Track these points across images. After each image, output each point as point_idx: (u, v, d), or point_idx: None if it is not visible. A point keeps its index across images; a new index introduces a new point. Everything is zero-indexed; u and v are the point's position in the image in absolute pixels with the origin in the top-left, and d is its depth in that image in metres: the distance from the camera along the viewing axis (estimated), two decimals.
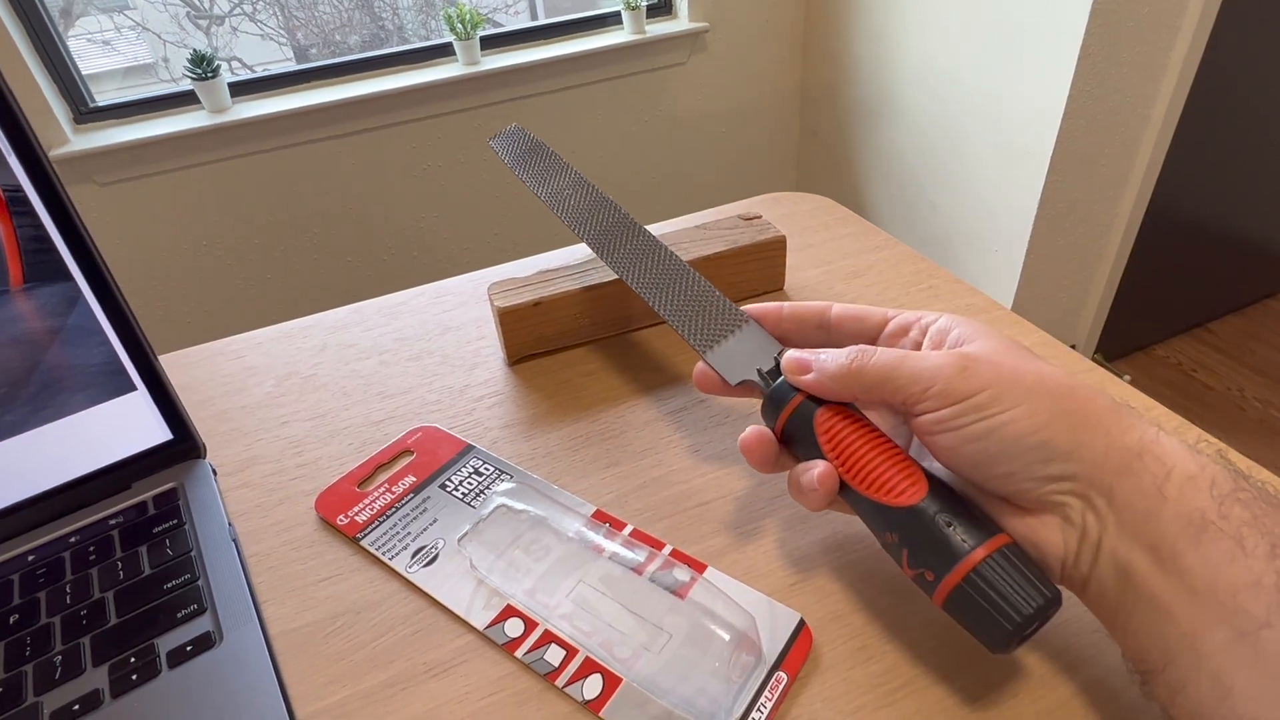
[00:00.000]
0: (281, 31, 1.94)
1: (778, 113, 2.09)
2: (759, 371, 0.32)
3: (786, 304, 0.33)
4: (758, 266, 0.48)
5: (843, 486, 0.27)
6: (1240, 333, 1.96)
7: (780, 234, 0.47)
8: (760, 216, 0.49)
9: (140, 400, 0.36)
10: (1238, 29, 1.41)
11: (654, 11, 1.89)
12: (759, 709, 0.26)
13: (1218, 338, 1.95)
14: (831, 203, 0.59)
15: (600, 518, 0.34)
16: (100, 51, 1.82)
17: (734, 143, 2.10)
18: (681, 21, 1.87)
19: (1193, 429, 0.36)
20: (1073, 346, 1.85)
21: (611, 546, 0.32)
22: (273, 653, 0.29)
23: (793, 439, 0.30)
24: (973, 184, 1.65)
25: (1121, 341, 1.89)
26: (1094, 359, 1.89)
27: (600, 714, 0.26)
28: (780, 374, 0.30)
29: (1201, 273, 1.87)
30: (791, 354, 0.30)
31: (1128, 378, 1.87)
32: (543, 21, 1.85)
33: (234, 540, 0.33)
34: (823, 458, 0.28)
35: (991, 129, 1.55)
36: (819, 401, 0.29)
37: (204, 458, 0.38)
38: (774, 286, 0.49)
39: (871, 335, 0.31)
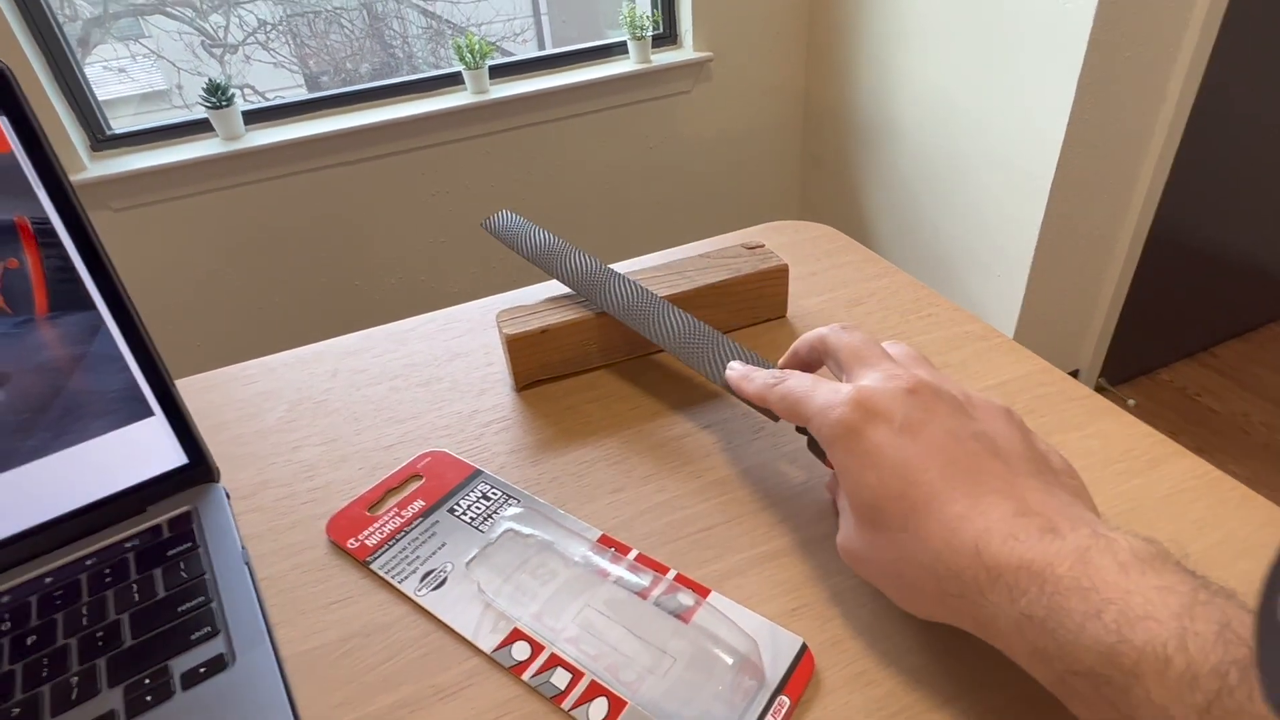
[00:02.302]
0: (293, 59, 1.98)
1: (781, 139, 2.12)
2: None
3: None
4: (761, 294, 0.49)
5: None
6: (1244, 357, 1.96)
7: (783, 263, 0.48)
8: (763, 245, 0.50)
9: (157, 425, 0.37)
10: (1235, 55, 1.43)
11: (659, 41, 1.92)
12: None
13: (1222, 362, 1.95)
14: (833, 231, 0.60)
15: (606, 542, 0.35)
16: (115, 78, 1.86)
17: (739, 169, 2.12)
18: (686, 51, 1.91)
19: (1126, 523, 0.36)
20: (1075, 371, 1.85)
21: (617, 571, 0.32)
22: (284, 675, 0.29)
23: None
24: (975, 208, 1.66)
25: (1125, 365, 1.89)
26: (1098, 383, 1.89)
27: None
28: None
29: (1204, 297, 1.87)
30: (735, 366, 0.36)
31: (1132, 402, 1.87)
32: (550, 51, 1.89)
33: (247, 563, 0.34)
34: None
35: (993, 154, 1.57)
36: None
37: (218, 482, 0.38)
38: (777, 314, 0.50)
39: None
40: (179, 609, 0.31)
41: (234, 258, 1.69)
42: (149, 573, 0.33)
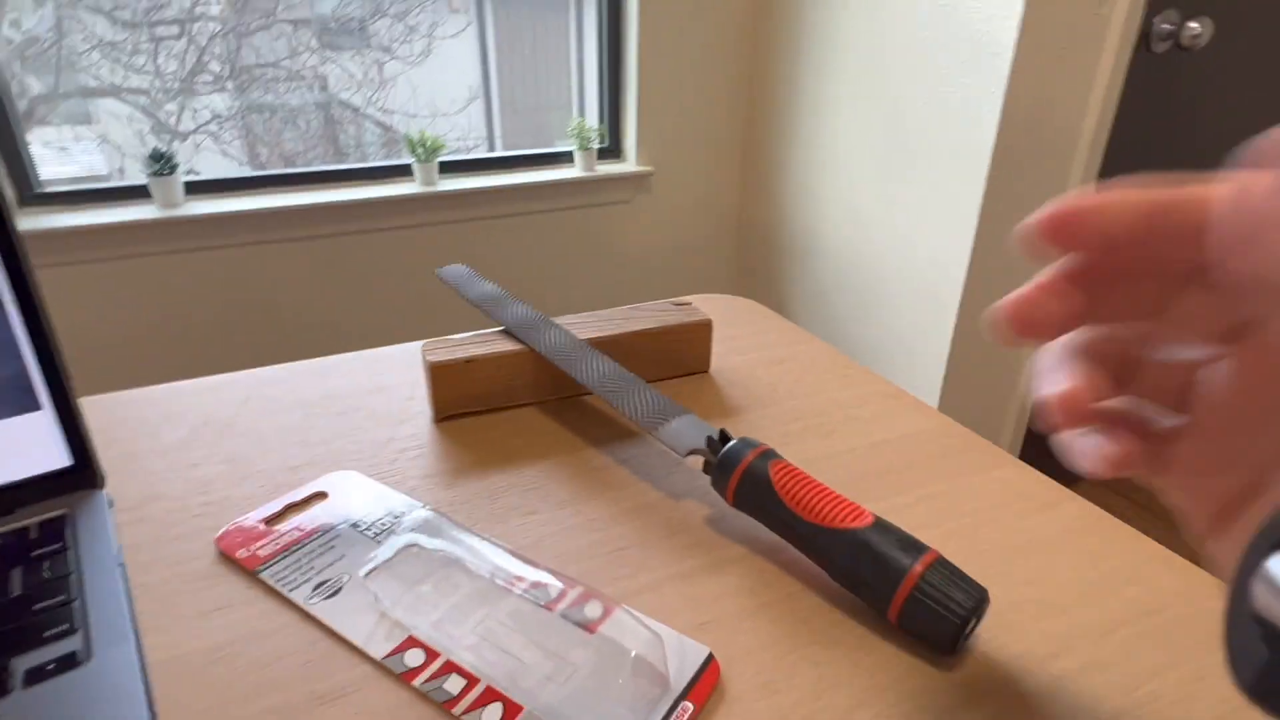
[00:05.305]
0: (244, 152, 1.98)
1: (715, 252, 2.23)
2: (709, 439, 0.37)
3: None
4: (684, 347, 0.50)
5: (800, 532, 0.32)
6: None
7: (707, 318, 0.50)
8: (691, 303, 0.52)
9: (43, 421, 0.34)
10: None
11: (604, 154, 2.04)
12: None
13: (1121, 481, 2.06)
14: (757, 304, 0.63)
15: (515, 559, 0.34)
16: (56, 157, 1.82)
17: (674, 278, 2.21)
18: (629, 164, 2.02)
19: None
20: None
21: (523, 585, 0.31)
22: (146, 676, 0.27)
23: (746, 496, 0.34)
24: (891, 325, 1.76)
25: None
26: None
27: None
28: (728, 442, 0.35)
29: None
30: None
31: None
32: (500, 154, 1.97)
33: (120, 565, 0.31)
34: (781, 506, 0.32)
35: (906, 275, 1.69)
36: (767, 459, 0.34)
37: (102, 489, 0.36)
38: (700, 367, 0.51)
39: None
40: (34, 608, 0.29)
41: (158, 326, 1.63)
42: (6, 572, 0.30)
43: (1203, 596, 0.32)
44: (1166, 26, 1.42)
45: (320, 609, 0.30)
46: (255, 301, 1.71)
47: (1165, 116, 1.57)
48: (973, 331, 1.62)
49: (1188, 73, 1.53)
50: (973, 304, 1.58)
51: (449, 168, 1.87)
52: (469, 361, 0.44)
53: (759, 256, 2.17)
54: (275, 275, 1.71)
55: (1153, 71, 1.48)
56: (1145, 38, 1.43)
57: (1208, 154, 1.69)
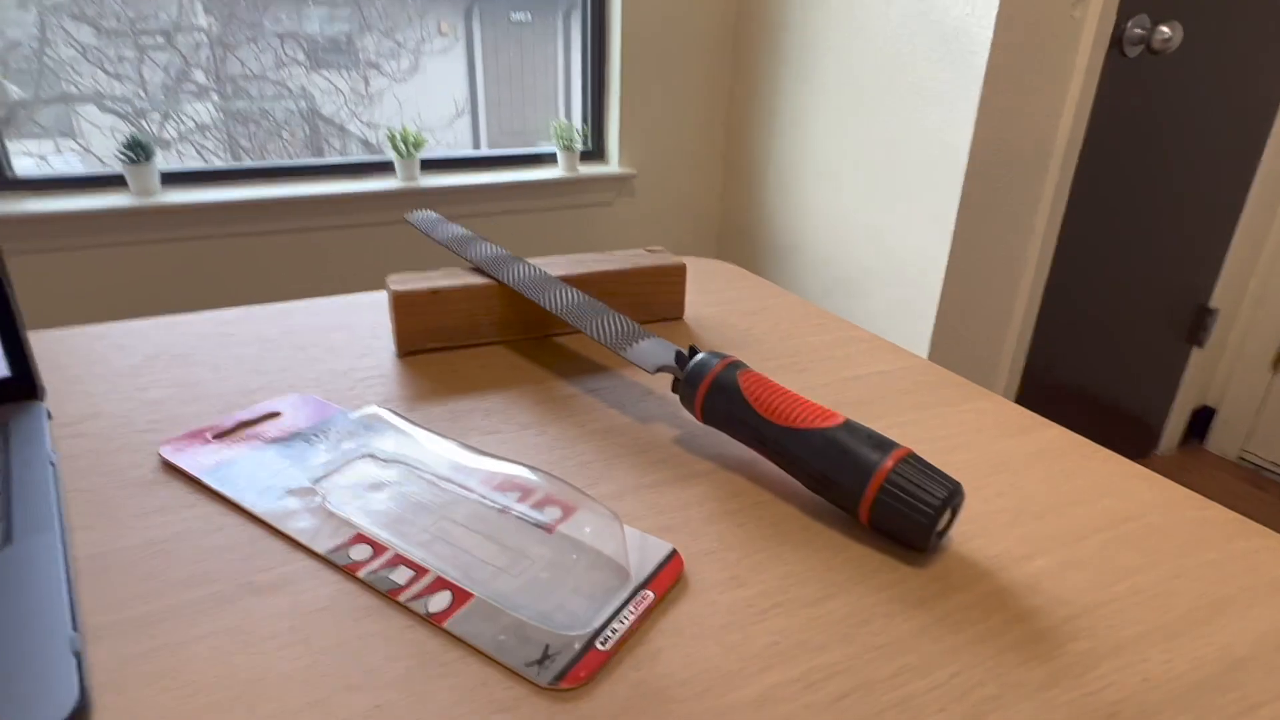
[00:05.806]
0: (226, 160, 1.94)
1: (697, 255, 2.23)
2: (677, 353, 0.36)
3: None
4: (657, 290, 0.49)
5: (770, 437, 0.31)
6: None
7: (681, 262, 0.49)
8: (664, 250, 0.51)
9: None
10: (1088, 210, 1.63)
11: (587, 156, 2.04)
12: (620, 620, 0.24)
13: None
14: (733, 265, 0.62)
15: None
16: (35, 168, 1.77)
17: None
18: (612, 166, 2.03)
19: None
20: None
21: (482, 488, 0.30)
22: (69, 563, 0.25)
23: (714, 407, 0.33)
24: (871, 326, 1.77)
25: None
26: None
27: (444, 625, 0.24)
28: (694, 356, 0.35)
29: (1081, 433, 2.01)
30: None
31: None
32: (484, 153, 1.97)
33: (53, 464, 0.30)
34: (750, 412, 0.31)
35: (886, 278, 1.70)
36: (735, 369, 0.33)
37: (41, 400, 0.34)
38: (674, 314, 0.50)
39: None
40: None
41: (131, 317, 1.60)
42: None
43: (1180, 507, 0.32)
44: (1139, 31, 1.44)
45: (264, 509, 0.29)
46: (231, 295, 1.69)
47: (1138, 119, 1.60)
48: (951, 331, 1.63)
49: (1160, 77, 1.56)
50: (951, 304, 1.59)
51: (431, 165, 1.86)
52: (435, 292, 0.43)
53: (740, 259, 2.18)
54: (252, 268, 1.69)
55: (1126, 75, 1.51)
56: (1118, 42, 1.45)
57: (1179, 157, 1.72)
